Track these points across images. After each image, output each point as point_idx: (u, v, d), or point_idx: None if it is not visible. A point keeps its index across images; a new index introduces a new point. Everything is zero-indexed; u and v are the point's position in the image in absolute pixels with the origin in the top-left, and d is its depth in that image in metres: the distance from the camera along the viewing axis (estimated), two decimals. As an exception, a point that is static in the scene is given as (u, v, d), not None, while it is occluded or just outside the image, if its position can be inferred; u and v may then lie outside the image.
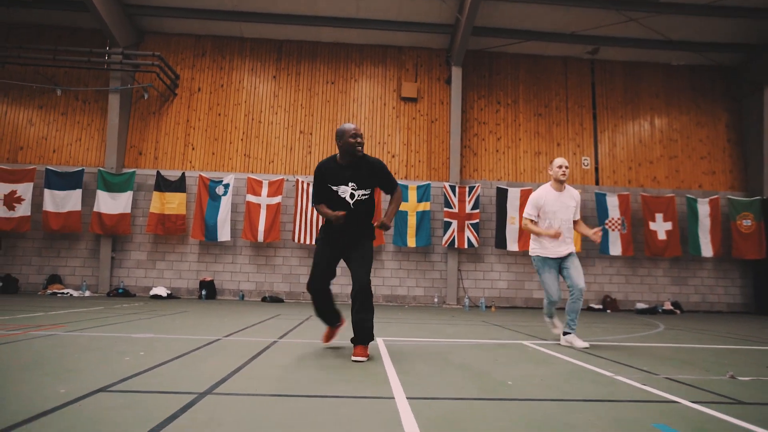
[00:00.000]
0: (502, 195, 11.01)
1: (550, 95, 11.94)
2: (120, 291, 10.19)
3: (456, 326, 6.14)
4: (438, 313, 8.61)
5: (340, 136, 3.32)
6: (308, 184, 10.59)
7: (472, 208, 10.80)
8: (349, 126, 3.36)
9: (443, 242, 10.76)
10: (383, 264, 10.96)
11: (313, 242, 10.45)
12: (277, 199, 10.64)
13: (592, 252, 11.21)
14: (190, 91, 11.43)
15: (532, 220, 4.45)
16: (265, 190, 10.70)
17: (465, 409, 2.15)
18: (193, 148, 11.24)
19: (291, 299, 10.70)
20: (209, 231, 10.51)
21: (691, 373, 3.17)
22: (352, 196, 3.38)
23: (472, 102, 11.75)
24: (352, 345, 3.40)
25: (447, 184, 10.85)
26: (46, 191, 10.36)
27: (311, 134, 11.43)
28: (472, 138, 11.61)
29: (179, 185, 10.71)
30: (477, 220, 10.82)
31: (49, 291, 10.11)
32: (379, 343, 4.19)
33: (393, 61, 11.81)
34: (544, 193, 4.44)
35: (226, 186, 10.73)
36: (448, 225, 10.77)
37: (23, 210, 10.32)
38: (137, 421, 1.80)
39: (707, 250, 11.02)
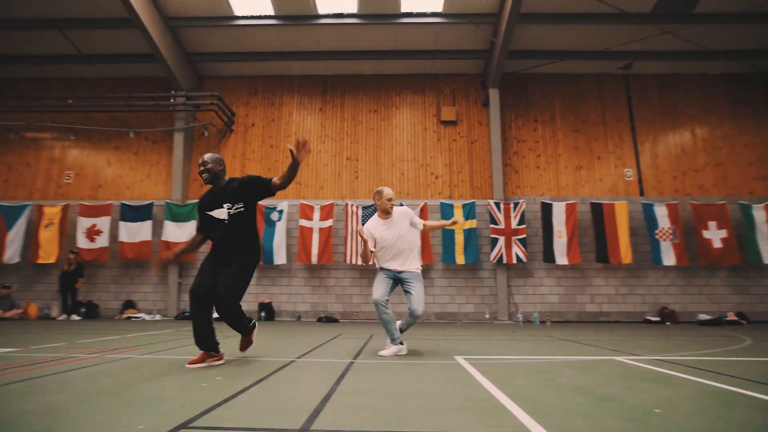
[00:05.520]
0: (546, 210, 10.27)
1: (587, 111, 11.24)
2: (186, 315, 10.01)
3: (523, 341, 5.45)
4: (493, 328, 7.89)
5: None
6: (357, 207, 10.32)
7: (518, 224, 10.11)
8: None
9: (492, 258, 10.07)
10: (433, 282, 10.33)
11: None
12: (328, 223, 10.33)
13: (644, 263, 10.21)
14: (245, 126, 11.44)
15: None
16: (317, 215, 10.41)
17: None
18: (249, 179, 11.15)
19: (345, 319, 10.20)
20: (266, 255, 10.22)
21: None
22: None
23: (509, 122, 11.19)
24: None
25: (492, 202, 10.23)
26: (121, 223, 10.45)
27: (357, 160, 11.15)
28: (512, 156, 11.00)
29: (238, 213, 10.56)
30: (524, 236, 10.10)
31: (125, 315, 10.05)
32: (462, 362, 3.60)
33: (431, 87, 11.49)
34: (372, 226, 4.12)
35: (281, 212, 10.49)
36: (495, 241, 10.10)
37: (102, 241, 10.42)
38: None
39: (768, 256, 9.83)
